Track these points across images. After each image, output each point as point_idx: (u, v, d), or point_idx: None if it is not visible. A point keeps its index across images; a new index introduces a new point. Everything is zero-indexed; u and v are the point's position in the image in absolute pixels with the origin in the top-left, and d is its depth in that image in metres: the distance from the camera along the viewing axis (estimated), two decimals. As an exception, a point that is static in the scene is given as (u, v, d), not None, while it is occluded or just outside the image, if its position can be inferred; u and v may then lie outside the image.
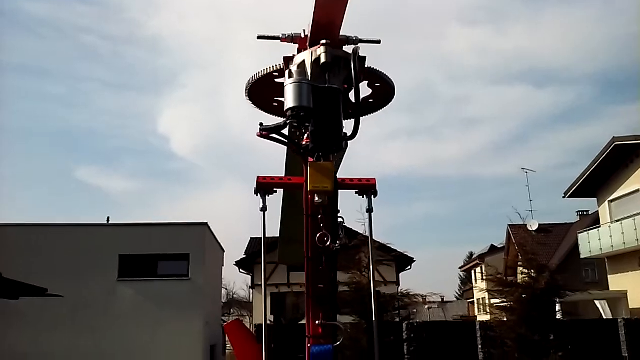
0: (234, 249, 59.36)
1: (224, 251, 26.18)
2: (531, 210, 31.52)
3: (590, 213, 33.23)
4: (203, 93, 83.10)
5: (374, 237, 4.17)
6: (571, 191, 26.51)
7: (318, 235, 3.17)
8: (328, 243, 3.12)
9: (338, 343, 1.94)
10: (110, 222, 21.55)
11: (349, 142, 3.49)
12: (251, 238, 33.03)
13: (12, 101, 62.01)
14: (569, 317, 18.58)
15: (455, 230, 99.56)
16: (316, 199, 3.27)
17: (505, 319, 16.48)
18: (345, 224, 3.47)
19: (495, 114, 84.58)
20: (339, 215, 3.36)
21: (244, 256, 30.54)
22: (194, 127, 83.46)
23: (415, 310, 32.01)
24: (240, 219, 73.84)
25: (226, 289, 43.19)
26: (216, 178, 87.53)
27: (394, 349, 15.72)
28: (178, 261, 19.62)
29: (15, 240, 18.54)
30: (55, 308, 17.11)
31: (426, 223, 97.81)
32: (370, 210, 3.90)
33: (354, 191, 3.92)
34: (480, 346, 17.88)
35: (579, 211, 35.46)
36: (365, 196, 3.89)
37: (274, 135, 3.41)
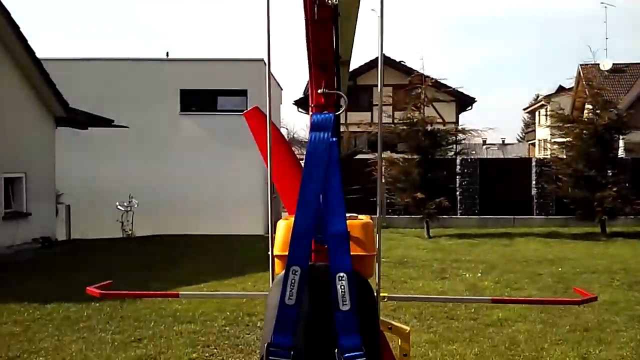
0: (294, 89, 59.56)
1: (282, 89, 26.33)
2: (606, 49, 29.55)
3: (672, 50, 30.80)
4: None
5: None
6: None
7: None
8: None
9: (340, 112, 1.93)
10: (170, 57, 21.84)
11: None
12: (310, 77, 32.79)
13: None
14: (631, 156, 18.11)
15: (524, 73, 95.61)
16: None
17: (564, 156, 16.29)
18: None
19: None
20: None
21: (303, 96, 30.72)
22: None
23: (474, 152, 32.00)
24: (300, 58, 73.04)
25: (286, 129, 44.24)
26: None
27: (446, 183, 16.01)
28: (236, 97, 19.99)
29: (85, 74, 19.18)
30: (122, 138, 18.12)
31: (495, 65, 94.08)
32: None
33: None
34: (534, 182, 17.93)
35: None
36: None
37: None
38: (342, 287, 1.64)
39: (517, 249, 12.62)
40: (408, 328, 2.00)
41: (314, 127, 1.74)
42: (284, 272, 1.68)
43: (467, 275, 9.02)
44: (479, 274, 9.03)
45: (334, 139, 1.74)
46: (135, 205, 17.41)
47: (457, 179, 17.83)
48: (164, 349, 5.69)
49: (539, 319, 6.53)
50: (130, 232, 17.22)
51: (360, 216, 1.94)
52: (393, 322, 1.98)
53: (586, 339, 5.81)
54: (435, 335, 6.01)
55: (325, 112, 1.81)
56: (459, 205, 17.97)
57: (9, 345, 5.84)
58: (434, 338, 5.89)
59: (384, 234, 15.63)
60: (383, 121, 2.16)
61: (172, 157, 19.32)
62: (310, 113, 1.89)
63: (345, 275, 1.66)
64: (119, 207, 17.34)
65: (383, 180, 16.19)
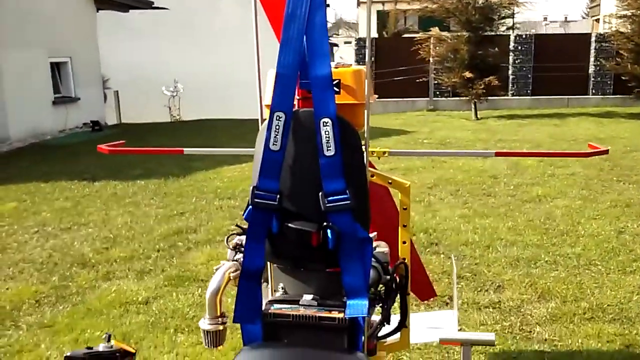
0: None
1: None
2: None
3: None
4: None
5: None
6: None
7: None
8: None
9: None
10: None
11: None
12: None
13: None
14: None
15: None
16: None
17: (625, 30, 15.17)
18: None
19: None
20: None
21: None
22: None
23: (533, 30, 30.25)
24: None
25: (334, 10, 42.74)
26: None
27: (498, 62, 15.24)
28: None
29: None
30: (164, 22, 17.93)
31: None
32: None
33: None
34: (592, 59, 16.93)
35: None
36: None
37: None
38: (327, 132, 1.59)
39: (568, 128, 12.19)
40: (408, 182, 1.95)
41: None
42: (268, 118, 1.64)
43: (511, 154, 8.84)
44: (523, 153, 8.83)
45: None
46: (181, 90, 17.55)
47: (510, 57, 16.96)
48: (204, 221, 5.92)
49: (579, 196, 6.40)
50: (177, 117, 17.51)
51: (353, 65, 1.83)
52: (393, 177, 1.93)
53: (626, 214, 5.68)
54: (470, 210, 6.00)
55: None
56: (510, 85, 17.26)
57: (61, 218, 6.20)
58: (467, 213, 5.89)
59: (429, 116, 15.36)
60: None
61: (215, 42, 19.09)
62: None
63: (329, 120, 1.59)
64: (165, 92, 17.53)
65: (430, 60, 15.61)
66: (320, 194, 1.62)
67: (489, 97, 14.72)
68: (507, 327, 3.48)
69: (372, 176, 1.93)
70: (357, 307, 1.61)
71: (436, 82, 16.24)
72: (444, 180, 7.33)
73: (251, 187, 1.67)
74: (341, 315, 1.60)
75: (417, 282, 2.32)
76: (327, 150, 1.59)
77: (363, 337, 1.64)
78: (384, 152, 2.00)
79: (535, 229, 5.29)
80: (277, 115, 1.61)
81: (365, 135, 1.79)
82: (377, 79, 15.79)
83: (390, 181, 1.93)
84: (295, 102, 1.74)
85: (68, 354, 1.45)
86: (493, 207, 6.10)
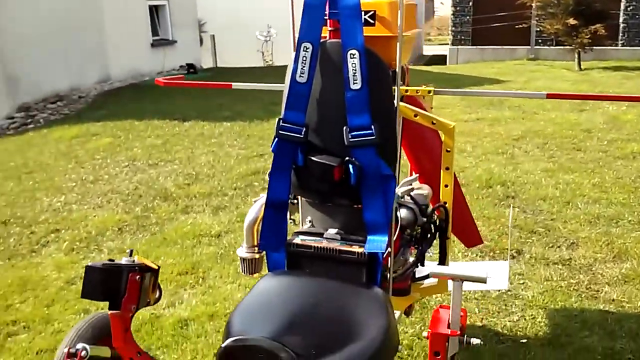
0: None
1: None
2: None
3: None
4: None
5: None
6: None
7: None
8: None
9: None
10: None
11: None
12: None
13: None
14: None
15: None
16: None
17: None
18: None
19: None
20: None
21: None
22: None
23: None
24: None
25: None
26: None
27: (606, 8, 14.04)
28: None
29: None
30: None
31: None
32: None
33: None
34: None
35: None
36: None
37: None
38: (354, 65, 1.56)
39: (682, 83, 11.17)
40: (453, 124, 1.88)
41: None
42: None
43: (610, 108, 8.25)
44: (624, 107, 8.21)
45: None
46: (274, 35, 17.67)
47: (622, 3, 15.60)
48: (281, 164, 6.04)
49: (680, 154, 5.91)
50: (269, 61, 17.72)
51: None
52: (437, 117, 1.87)
53: None
54: (555, 164, 5.72)
55: None
56: (620, 34, 15.94)
57: (150, 154, 6.56)
58: (551, 167, 5.62)
59: (528, 65, 14.54)
60: None
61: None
62: None
63: (357, 52, 1.56)
64: (258, 36, 17.73)
65: (532, 5, 14.65)
66: (344, 128, 1.61)
67: (595, 47, 13.67)
68: (574, 284, 3.35)
69: (415, 116, 1.88)
70: (376, 243, 1.62)
71: (538, 29, 15.29)
72: (532, 132, 7.00)
73: (277, 120, 1.68)
74: (361, 250, 1.62)
75: (463, 227, 2.27)
76: (354, 83, 1.56)
77: (387, 274, 1.65)
78: (429, 91, 1.93)
79: (623, 187, 4.97)
80: (304, 46, 1.60)
81: (397, 70, 1.74)
82: (475, 24, 15.13)
83: (434, 121, 1.87)
84: (327, 34, 1.71)
85: (89, 264, 1.55)
86: (581, 162, 5.77)
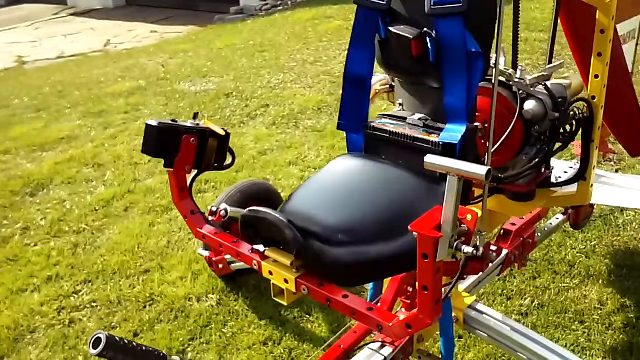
0: None
1: None
2: None
3: None
4: None
5: None
6: None
7: None
8: None
9: None
10: None
11: None
12: None
13: None
14: None
15: None
16: None
17: None
18: None
19: None
20: None
21: None
22: None
23: None
24: None
25: None
26: None
27: None
28: None
29: None
30: None
31: None
32: None
33: None
34: None
35: None
36: None
37: None
38: None
39: None
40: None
41: None
42: None
43: None
44: None
45: None
46: None
47: None
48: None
49: None
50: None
51: None
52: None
53: None
54: None
55: None
56: None
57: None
58: None
59: None
60: None
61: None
62: None
63: None
64: None
65: None
66: None
67: None
68: None
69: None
70: (452, 131, 1.39)
71: None
72: None
73: None
74: (436, 139, 1.40)
75: (629, 132, 1.79)
76: None
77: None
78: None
79: None
80: None
81: None
82: None
83: (583, -11, 1.44)
84: None
85: (148, 121, 1.58)
86: None
